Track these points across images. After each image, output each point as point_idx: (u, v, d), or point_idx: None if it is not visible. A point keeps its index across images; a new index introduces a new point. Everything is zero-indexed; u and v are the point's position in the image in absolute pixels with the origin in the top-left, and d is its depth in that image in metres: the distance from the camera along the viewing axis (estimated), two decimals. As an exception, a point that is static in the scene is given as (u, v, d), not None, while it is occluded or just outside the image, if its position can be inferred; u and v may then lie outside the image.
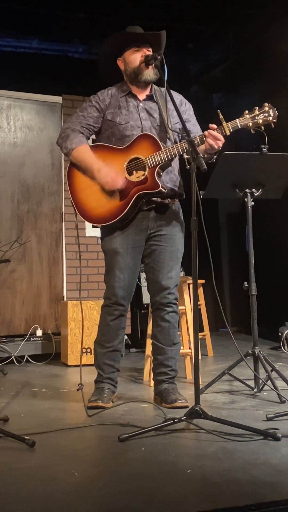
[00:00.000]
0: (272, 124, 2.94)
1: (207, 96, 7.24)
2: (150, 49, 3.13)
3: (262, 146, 3.27)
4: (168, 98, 3.06)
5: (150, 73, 3.14)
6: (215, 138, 2.90)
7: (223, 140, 2.93)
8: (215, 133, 2.90)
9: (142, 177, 3.03)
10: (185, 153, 3.00)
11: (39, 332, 5.31)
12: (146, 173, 3.02)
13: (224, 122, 2.91)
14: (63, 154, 5.79)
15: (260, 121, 2.92)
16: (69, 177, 3.21)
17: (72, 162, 3.19)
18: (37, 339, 5.20)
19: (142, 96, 3.22)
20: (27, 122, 5.94)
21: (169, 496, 1.82)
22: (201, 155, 2.65)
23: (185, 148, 2.93)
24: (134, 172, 3.05)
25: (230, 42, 6.35)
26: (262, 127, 2.95)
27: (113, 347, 3.21)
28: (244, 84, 6.45)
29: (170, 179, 3.17)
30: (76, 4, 5.46)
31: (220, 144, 2.93)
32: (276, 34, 5.72)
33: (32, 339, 5.18)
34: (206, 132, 2.93)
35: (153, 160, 2.99)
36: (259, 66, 6.09)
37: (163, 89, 3.19)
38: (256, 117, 2.93)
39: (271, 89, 5.91)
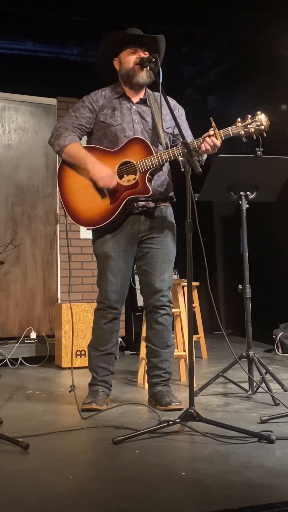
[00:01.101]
0: (264, 133, 2.95)
1: (202, 99, 7.26)
2: (147, 53, 3.13)
3: (257, 149, 3.28)
4: (163, 102, 3.06)
5: (143, 76, 3.14)
6: (214, 145, 2.91)
7: (219, 146, 2.95)
8: (215, 139, 2.91)
9: (133, 181, 3.03)
10: (179, 156, 3.02)
11: (33, 335, 5.30)
12: (137, 177, 3.02)
13: (217, 129, 2.92)
14: (57, 157, 5.85)
15: (252, 130, 2.92)
16: (60, 178, 3.20)
17: (64, 161, 3.17)
18: (31, 341, 5.19)
19: (135, 99, 3.22)
20: (21, 124, 5.94)
21: (163, 499, 1.81)
22: (195, 157, 2.66)
23: (177, 154, 2.94)
24: (124, 175, 3.05)
25: (224, 45, 6.37)
26: (254, 136, 2.96)
27: (107, 350, 3.20)
28: (238, 87, 6.47)
29: (161, 183, 3.18)
30: (71, 7, 5.46)
31: (215, 150, 2.96)
32: (270, 38, 5.74)
33: (26, 341, 5.17)
34: (207, 138, 2.92)
35: (144, 165, 3.00)
36: (254, 69, 6.11)
37: (157, 93, 3.20)
38: (249, 126, 2.92)
39: (266, 92, 5.93)
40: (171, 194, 3.27)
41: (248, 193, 3.43)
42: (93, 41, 5.93)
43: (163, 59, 3.14)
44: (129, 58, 3.15)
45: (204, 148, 2.93)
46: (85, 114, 3.21)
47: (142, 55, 3.12)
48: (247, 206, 3.44)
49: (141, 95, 3.23)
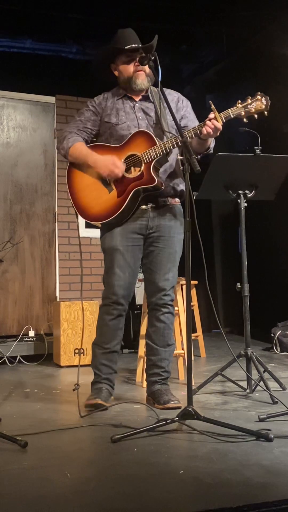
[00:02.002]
0: (266, 113, 2.93)
1: (201, 97, 7.25)
2: (142, 53, 3.12)
3: (255, 147, 3.27)
4: (163, 98, 3.06)
5: (144, 83, 3.14)
6: (215, 127, 2.88)
7: (220, 129, 2.91)
8: (216, 122, 2.88)
9: (139, 173, 3.03)
10: (178, 154, 3.01)
11: (31, 333, 5.29)
12: (142, 168, 3.03)
13: (217, 112, 2.90)
14: (56, 155, 5.85)
15: (253, 109, 2.90)
16: (68, 178, 3.24)
17: (71, 162, 3.20)
18: (30, 339, 5.19)
19: (138, 97, 3.22)
20: (20, 122, 5.93)
21: (161, 497, 1.82)
22: (194, 156, 2.65)
23: (179, 141, 2.93)
24: (131, 168, 3.06)
25: (223, 43, 6.37)
26: (256, 116, 2.93)
27: (111, 348, 3.17)
28: (237, 85, 6.46)
29: (170, 178, 3.16)
30: (70, 5, 5.45)
31: (217, 133, 2.92)
32: (269, 36, 5.73)
33: (24, 339, 5.16)
34: (207, 121, 2.89)
35: (149, 155, 3.00)
36: (252, 67, 6.10)
37: (158, 89, 3.19)
38: (249, 106, 2.91)
39: (264, 90, 5.90)
40: (181, 189, 3.24)
41: (246, 191, 3.43)
42: (92, 39, 5.93)
43: (160, 56, 3.13)
44: (128, 68, 3.14)
45: (205, 132, 2.89)
46: (90, 117, 3.23)
47: (139, 57, 3.11)
48: (246, 204, 3.44)
49: (143, 92, 3.23)
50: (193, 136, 2.94)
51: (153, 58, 3.00)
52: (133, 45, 3.10)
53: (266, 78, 5.92)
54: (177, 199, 3.23)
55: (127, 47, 3.10)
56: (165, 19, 5.48)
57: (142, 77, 3.14)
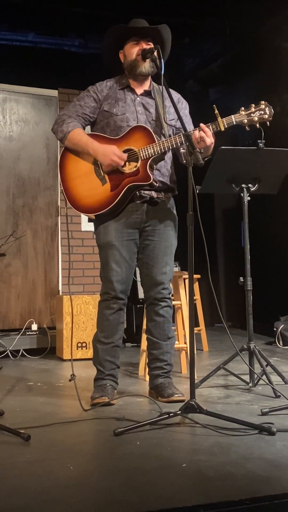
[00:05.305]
0: (268, 123, 2.93)
1: (203, 91, 7.24)
2: (151, 43, 3.11)
3: (259, 141, 3.27)
4: (166, 94, 3.05)
5: (146, 66, 3.12)
6: (206, 133, 2.89)
7: (212, 137, 2.91)
8: (206, 129, 2.90)
9: (134, 169, 3.02)
10: (181, 148, 2.99)
11: (34, 327, 5.31)
12: (138, 165, 3.01)
13: (219, 117, 2.90)
14: (58, 148, 5.84)
15: (256, 118, 2.91)
16: (61, 165, 3.18)
17: (67, 148, 3.16)
18: (32, 333, 5.20)
19: (140, 90, 3.21)
20: (22, 116, 5.92)
21: (164, 490, 1.82)
22: (197, 149, 2.64)
23: (179, 141, 2.93)
24: (127, 163, 3.04)
25: (226, 37, 6.34)
26: (257, 125, 2.94)
27: (114, 343, 3.16)
28: (240, 79, 6.45)
29: (162, 174, 3.16)
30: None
31: (207, 143, 2.90)
32: (273, 29, 5.71)
33: (27, 333, 5.18)
34: (199, 128, 2.91)
35: (146, 152, 2.99)
36: (256, 61, 6.08)
37: (161, 86, 3.18)
38: (252, 114, 2.92)
39: (268, 84, 5.91)
40: (173, 185, 3.25)
41: (249, 185, 3.42)
42: (94, 32, 5.92)
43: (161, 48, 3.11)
44: (132, 50, 3.13)
45: (199, 137, 2.88)
46: (89, 103, 3.19)
47: (145, 46, 3.10)
48: (249, 198, 3.43)
49: (146, 87, 3.22)
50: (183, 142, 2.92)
51: (155, 51, 2.99)
52: (144, 26, 3.09)
53: (269, 71, 5.91)
54: (169, 194, 3.23)
55: (137, 26, 3.10)
56: (168, 12, 5.46)
57: (146, 62, 3.12)
